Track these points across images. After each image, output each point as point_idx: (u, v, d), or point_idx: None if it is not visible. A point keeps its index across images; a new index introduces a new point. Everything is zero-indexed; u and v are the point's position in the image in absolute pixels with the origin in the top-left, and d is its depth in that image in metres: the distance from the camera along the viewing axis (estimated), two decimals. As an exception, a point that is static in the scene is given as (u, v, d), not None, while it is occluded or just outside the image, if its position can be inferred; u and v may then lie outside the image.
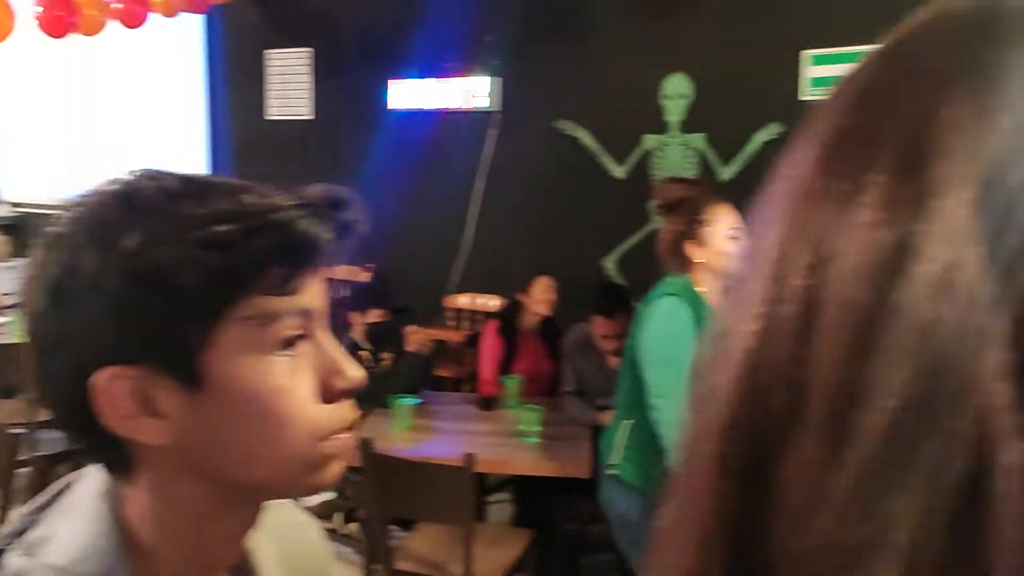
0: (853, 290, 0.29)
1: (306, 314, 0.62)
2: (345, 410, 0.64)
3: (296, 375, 0.61)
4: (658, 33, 4.34)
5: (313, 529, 0.84)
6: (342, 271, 5.13)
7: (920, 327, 0.27)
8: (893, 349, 0.27)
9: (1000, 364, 0.25)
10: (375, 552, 2.84)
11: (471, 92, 4.69)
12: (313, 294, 0.62)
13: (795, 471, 0.29)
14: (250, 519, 0.67)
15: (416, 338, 3.64)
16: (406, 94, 4.88)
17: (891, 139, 0.29)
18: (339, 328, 4.20)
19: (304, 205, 0.60)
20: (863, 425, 0.27)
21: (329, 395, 0.63)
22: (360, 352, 3.57)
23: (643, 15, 4.34)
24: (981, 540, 0.25)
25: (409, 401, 3.25)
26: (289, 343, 0.61)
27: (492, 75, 4.68)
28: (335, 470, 0.65)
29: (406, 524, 3.29)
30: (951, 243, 0.26)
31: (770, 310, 0.31)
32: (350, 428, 0.65)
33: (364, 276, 5.10)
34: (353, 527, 3.62)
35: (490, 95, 4.67)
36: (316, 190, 0.62)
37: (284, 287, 0.60)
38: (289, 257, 0.59)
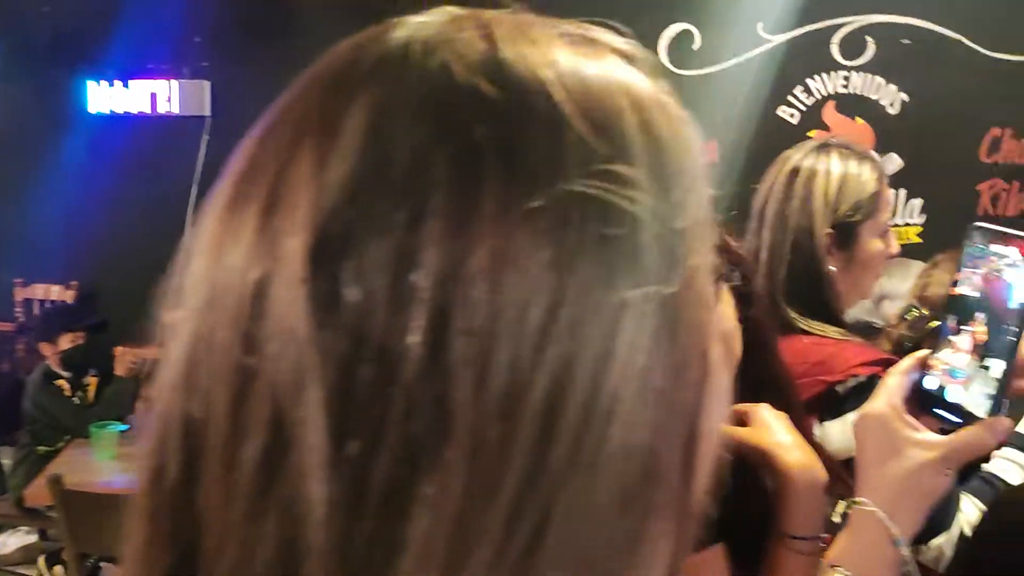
0: (225, 332, 0.29)
1: None
2: None
3: None
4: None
5: None
6: (41, 290, 4.68)
7: (269, 368, 0.28)
8: (254, 391, 0.28)
9: (317, 401, 0.26)
10: (77, 596, 2.62)
11: (180, 95, 4.44)
12: None
13: (208, 500, 0.30)
14: None
15: (126, 359, 3.40)
16: (109, 97, 4.52)
17: (262, 183, 0.30)
18: (33, 357, 3.82)
19: None
20: (242, 460, 0.28)
21: None
22: (57, 382, 3.27)
23: (356, 16, 4.31)
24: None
25: (113, 428, 3.02)
26: None
27: (203, 78, 4.46)
28: None
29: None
30: (289, 286, 0.27)
31: (180, 348, 0.31)
32: None
33: (68, 295, 4.68)
34: (59, 570, 3.32)
35: (198, 99, 4.45)
36: None
37: None
38: None
